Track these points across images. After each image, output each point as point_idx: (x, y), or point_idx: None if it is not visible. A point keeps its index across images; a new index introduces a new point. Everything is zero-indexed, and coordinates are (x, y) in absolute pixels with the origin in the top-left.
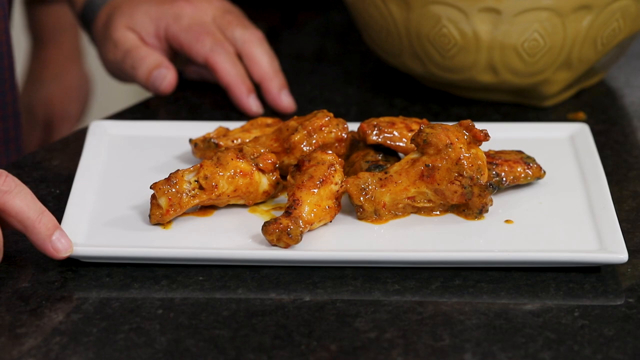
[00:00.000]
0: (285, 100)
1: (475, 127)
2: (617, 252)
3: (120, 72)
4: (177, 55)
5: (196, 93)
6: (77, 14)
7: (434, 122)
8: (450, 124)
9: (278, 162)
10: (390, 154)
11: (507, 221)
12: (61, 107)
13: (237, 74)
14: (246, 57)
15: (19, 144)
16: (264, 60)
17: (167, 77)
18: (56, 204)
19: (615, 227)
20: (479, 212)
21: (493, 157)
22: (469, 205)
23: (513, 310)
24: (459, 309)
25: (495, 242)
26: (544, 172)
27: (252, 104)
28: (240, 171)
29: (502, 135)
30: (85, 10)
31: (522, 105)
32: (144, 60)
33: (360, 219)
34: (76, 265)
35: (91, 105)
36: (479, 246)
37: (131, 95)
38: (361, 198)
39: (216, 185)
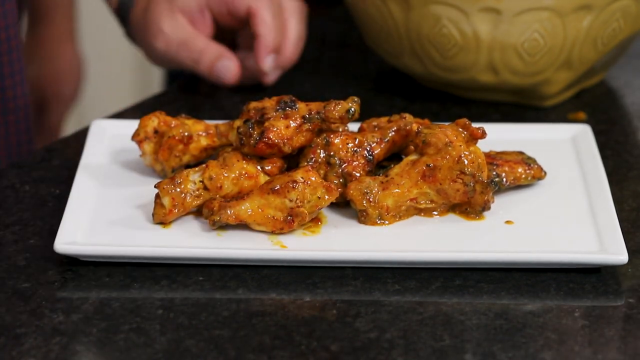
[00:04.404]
0: (272, 74)
1: (472, 125)
2: (617, 253)
3: (173, 62)
4: (222, 34)
5: (196, 93)
6: (113, 9)
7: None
8: (446, 124)
9: (285, 165)
10: (391, 157)
11: (507, 222)
12: (54, 88)
13: (273, 27)
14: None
15: (30, 136)
16: (292, 34)
17: (230, 69)
18: (56, 204)
19: (615, 229)
20: (482, 209)
21: (494, 158)
22: (471, 203)
23: (513, 311)
24: (460, 309)
25: (496, 243)
26: (545, 173)
27: (268, 63)
28: (246, 173)
29: (504, 136)
30: (121, 3)
31: (522, 105)
32: (204, 53)
33: (362, 223)
34: (76, 265)
35: (84, 87)
36: (480, 247)
37: (131, 90)
38: (364, 202)
39: (221, 186)
